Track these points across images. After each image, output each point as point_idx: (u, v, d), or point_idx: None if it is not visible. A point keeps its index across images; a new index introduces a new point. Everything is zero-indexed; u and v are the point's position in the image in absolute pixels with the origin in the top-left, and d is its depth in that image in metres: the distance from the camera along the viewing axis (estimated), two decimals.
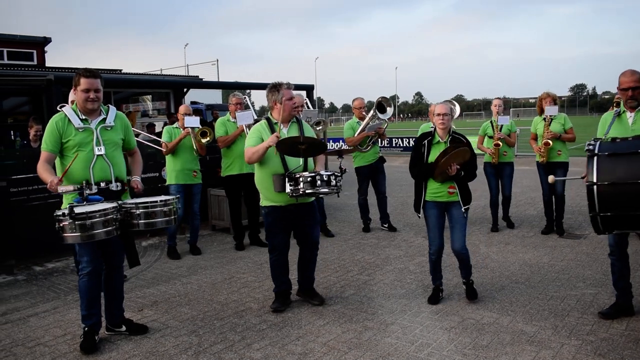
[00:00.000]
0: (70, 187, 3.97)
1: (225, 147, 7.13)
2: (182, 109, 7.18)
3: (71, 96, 4.72)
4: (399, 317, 4.68)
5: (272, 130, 4.78)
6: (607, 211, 3.83)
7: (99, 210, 3.80)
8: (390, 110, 7.80)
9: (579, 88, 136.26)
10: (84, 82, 4.08)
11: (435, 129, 4.96)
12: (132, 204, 4.06)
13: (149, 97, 15.81)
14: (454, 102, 8.10)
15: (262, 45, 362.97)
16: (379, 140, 7.94)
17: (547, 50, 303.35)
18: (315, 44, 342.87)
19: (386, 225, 8.16)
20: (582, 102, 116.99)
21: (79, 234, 3.72)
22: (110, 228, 3.86)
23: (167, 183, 7.08)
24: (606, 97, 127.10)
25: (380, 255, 6.70)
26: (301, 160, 4.77)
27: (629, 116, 4.41)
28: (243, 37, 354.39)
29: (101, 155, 4.14)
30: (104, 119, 4.24)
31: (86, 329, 4.27)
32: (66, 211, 3.69)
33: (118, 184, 4.21)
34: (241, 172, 7.11)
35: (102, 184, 4.12)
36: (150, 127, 12.62)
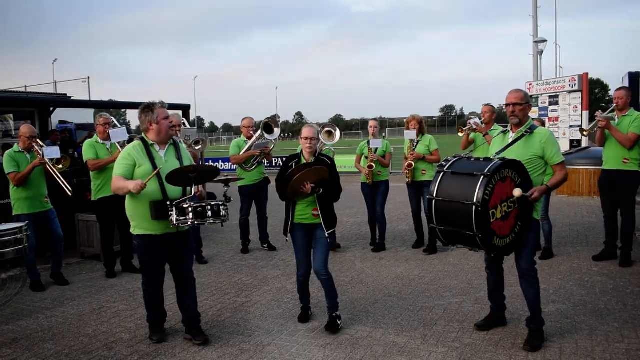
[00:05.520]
0: None
1: (95, 169, 6.78)
2: (26, 130, 6.39)
3: None
4: (276, 338, 4.67)
5: (149, 153, 4.50)
6: (442, 225, 4.09)
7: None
8: (277, 131, 7.86)
9: (448, 109, 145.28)
10: None
11: (302, 151, 5.03)
12: None
13: (11, 116, 14.72)
14: (334, 126, 8.28)
15: (139, 62, 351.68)
16: (265, 160, 7.94)
17: (420, 72, 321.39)
18: (195, 63, 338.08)
19: (265, 246, 8.16)
20: (451, 122, 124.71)
21: None
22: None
23: (14, 213, 6.25)
24: (472, 117, 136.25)
25: (258, 276, 6.67)
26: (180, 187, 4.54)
27: (510, 136, 4.54)
28: (119, 54, 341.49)
29: None
30: None
31: None
32: None
33: None
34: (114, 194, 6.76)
35: None
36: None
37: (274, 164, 22.11)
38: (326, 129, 8.13)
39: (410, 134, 7.55)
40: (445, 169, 4.16)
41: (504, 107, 4.55)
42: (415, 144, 7.59)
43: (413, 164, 7.48)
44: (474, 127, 7.08)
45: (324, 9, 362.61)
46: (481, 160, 4.12)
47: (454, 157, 4.30)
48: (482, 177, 3.86)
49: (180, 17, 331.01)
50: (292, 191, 4.67)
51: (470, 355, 4.18)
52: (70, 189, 6.45)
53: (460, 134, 7.37)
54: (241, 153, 7.70)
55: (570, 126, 15.47)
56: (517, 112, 4.38)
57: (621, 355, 4.07)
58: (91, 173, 6.83)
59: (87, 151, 6.78)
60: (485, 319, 4.79)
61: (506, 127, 4.74)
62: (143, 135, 4.65)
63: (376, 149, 7.88)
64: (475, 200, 3.82)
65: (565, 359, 4.06)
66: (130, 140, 5.29)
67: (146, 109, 4.55)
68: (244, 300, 5.75)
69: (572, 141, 15.39)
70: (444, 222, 4.08)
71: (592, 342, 4.33)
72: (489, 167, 3.92)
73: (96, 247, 7.71)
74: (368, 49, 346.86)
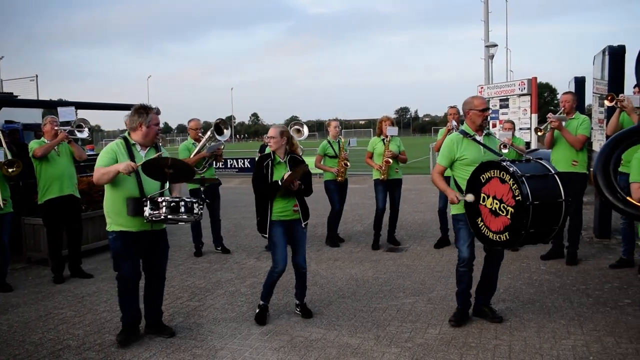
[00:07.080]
0: None
1: (44, 156, 6.39)
2: None
3: None
4: (229, 342, 4.61)
5: (130, 151, 4.49)
6: (533, 228, 4.06)
7: None
8: (227, 133, 7.76)
9: (403, 111, 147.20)
10: None
11: (272, 151, 5.09)
12: None
13: None
14: (302, 124, 8.34)
15: (92, 62, 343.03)
16: (215, 162, 7.85)
17: (375, 75, 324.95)
18: (149, 62, 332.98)
19: (219, 248, 8.06)
20: (405, 123, 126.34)
21: None
22: None
23: None
24: (427, 119, 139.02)
25: (212, 280, 6.58)
26: (159, 184, 4.53)
27: (479, 138, 4.71)
28: (70, 53, 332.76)
29: None
30: None
31: None
32: None
33: None
34: (61, 194, 6.53)
35: None
36: None
37: (229, 166, 21.94)
38: (295, 127, 8.20)
39: (393, 130, 7.82)
40: (521, 173, 4.06)
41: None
42: (389, 142, 7.78)
43: (391, 161, 7.71)
44: (455, 130, 7.27)
45: (281, 10, 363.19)
46: (523, 161, 4.34)
47: (510, 160, 4.27)
48: (556, 175, 4.21)
49: (134, 16, 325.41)
50: (284, 192, 4.89)
51: (423, 355, 4.22)
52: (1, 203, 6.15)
53: (448, 131, 7.49)
54: (191, 156, 7.54)
55: (520, 128, 15.86)
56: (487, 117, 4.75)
57: (567, 352, 4.18)
58: (37, 173, 6.54)
59: (33, 145, 6.52)
60: (456, 315, 4.86)
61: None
62: (126, 134, 4.65)
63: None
64: (564, 197, 4.13)
65: (515, 356, 4.14)
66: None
67: (141, 109, 4.55)
68: (197, 304, 5.66)
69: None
70: (537, 224, 4.06)
71: (540, 339, 4.44)
72: (547, 167, 4.27)
73: (43, 252, 7.45)
74: (325, 51, 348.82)
